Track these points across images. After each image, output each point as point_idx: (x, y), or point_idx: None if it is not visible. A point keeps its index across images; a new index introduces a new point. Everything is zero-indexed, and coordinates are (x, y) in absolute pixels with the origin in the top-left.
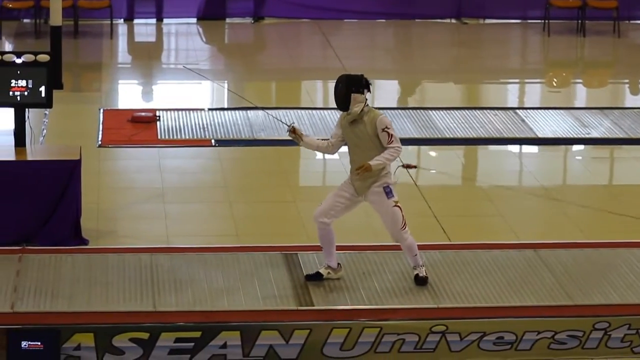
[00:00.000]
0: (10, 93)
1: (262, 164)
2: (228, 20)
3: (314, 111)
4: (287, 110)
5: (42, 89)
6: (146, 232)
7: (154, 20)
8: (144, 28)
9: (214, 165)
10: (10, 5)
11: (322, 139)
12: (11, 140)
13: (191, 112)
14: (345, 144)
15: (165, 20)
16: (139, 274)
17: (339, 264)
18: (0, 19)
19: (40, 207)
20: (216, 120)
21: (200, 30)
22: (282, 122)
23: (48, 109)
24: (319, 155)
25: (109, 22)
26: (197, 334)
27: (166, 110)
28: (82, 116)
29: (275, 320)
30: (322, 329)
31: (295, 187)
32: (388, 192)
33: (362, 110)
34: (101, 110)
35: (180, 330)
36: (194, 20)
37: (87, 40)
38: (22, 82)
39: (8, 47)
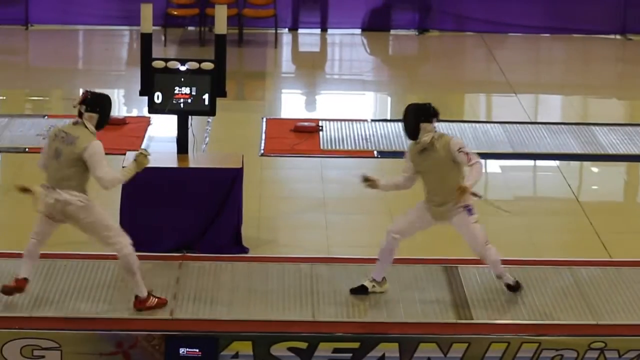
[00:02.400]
0: (175, 100)
1: None
2: (392, 31)
3: (477, 125)
4: (450, 123)
5: (206, 96)
6: (306, 241)
7: (318, 30)
8: (308, 38)
9: (376, 177)
10: (175, 13)
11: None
12: (174, 147)
13: (354, 122)
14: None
15: (330, 31)
16: (299, 284)
17: (383, 277)
18: (165, 25)
19: (202, 214)
20: (379, 132)
21: (365, 41)
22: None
23: (211, 117)
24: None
25: (274, 31)
26: (356, 345)
27: (329, 120)
28: (245, 124)
29: (434, 332)
30: (481, 343)
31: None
32: (469, 211)
33: (432, 138)
34: (264, 119)
35: (338, 340)
36: (359, 31)
37: (251, 49)
38: (186, 90)
39: (172, 54)
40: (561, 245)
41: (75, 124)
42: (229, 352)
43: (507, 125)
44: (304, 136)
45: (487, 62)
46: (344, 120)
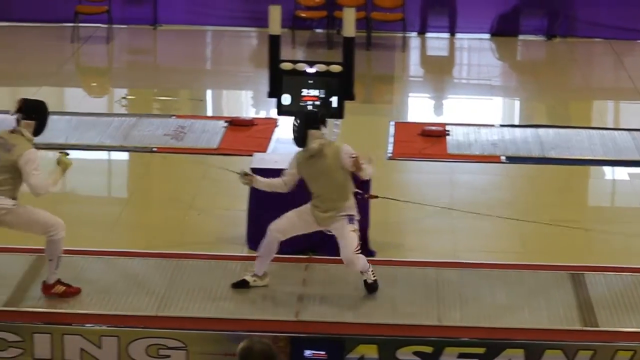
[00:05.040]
0: (302, 102)
1: (551, 183)
2: (520, 37)
3: (604, 131)
4: (578, 130)
5: (334, 99)
6: (433, 246)
7: (446, 35)
8: (437, 42)
9: (503, 182)
10: (304, 15)
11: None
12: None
13: (481, 127)
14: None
15: (458, 35)
16: (425, 288)
17: (265, 272)
18: (293, 28)
19: None
20: (506, 137)
21: (493, 46)
22: (232, 171)
23: (339, 120)
24: (608, 175)
25: (402, 35)
26: (481, 350)
27: (456, 125)
28: (373, 128)
29: (560, 339)
30: (607, 351)
31: (584, 207)
32: (350, 220)
33: (320, 144)
34: (392, 123)
35: (464, 345)
36: (487, 35)
37: (380, 52)
38: (314, 92)
39: (300, 56)
40: None
41: (12, 131)
42: (354, 355)
43: (635, 132)
44: (431, 140)
45: (615, 69)
46: (472, 125)
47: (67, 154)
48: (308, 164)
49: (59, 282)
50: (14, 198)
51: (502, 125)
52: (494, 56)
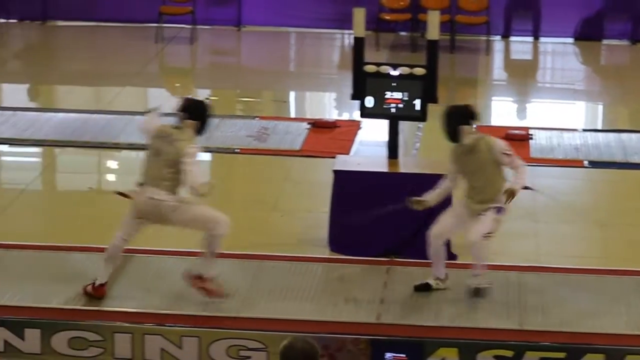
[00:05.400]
0: (386, 105)
1: (634, 188)
2: (605, 41)
3: None
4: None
5: (417, 102)
6: (515, 249)
7: (530, 39)
8: (521, 46)
9: (586, 186)
10: (388, 18)
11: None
12: (384, 151)
13: (564, 132)
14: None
15: (542, 39)
16: (506, 292)
17: (446, 274)
18: (377, 30)
19: (410, 219)
20: (589, 142)
21: (577, 50)
22: (411, 202)
23: (422, 122)
24: None
25: (486, 38)
26: (562, 355)
27: (539, 129)
28: None
29: None
30: None
31: None
32: (499, 210)
33: (475, 139)
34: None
35: (545, 350)
36: (571, 40)
37: (463, 55)
38: (398, 95)
39: (384, 58)
40: None
41: (176, 127)
42: (435, 358)
43: None
44: (514, 144)
45: None
46: (555, 129)
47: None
48: (464, 159)
49: (210, 279)
50: (175, 194)
51: (585, 130)
52: (577, 60)
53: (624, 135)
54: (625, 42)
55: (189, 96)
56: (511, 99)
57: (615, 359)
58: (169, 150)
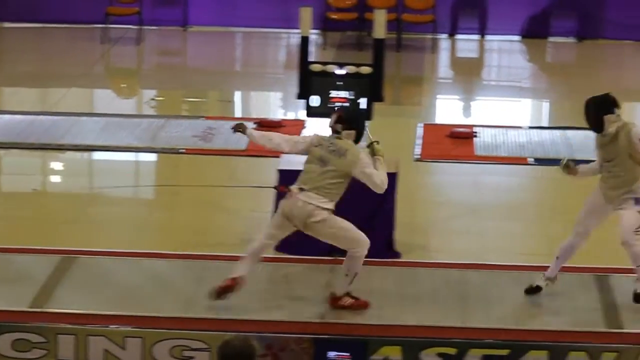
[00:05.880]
0: (331, 104)
1: (579, 184)
2: (551, 39)
3: None
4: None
5: (363, 100)
6: (459, 247)
7: (477, 37)
8: (467, 44)
9: (531, 184)
10: (334, 17)
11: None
12: None
13: (509, 129)
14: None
15: (488, 37)
16: (449, 289)
17: (556, 275)
18: (324, 29)
19: (355, 218)
20: (535, 139)
21: (523, 48)
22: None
23: (368, 121)
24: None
25: (432, 36)
26: (505, 352)
27: (484, 126)
28: (401, 129)
29: (584, 341)
30: (631, 353)
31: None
32: (637, 201)
33: (617, 128)
34: (420, 125)
35: (488, 347)
36: (517, 37)
37: (410, 53)
38: (343, 93)
39: (331, 57)
40: None
41: (338, 138)
42: (378, 356)
43: None
44: (459, 142)
45: None
46: (500, 126)
47: (378, 142)
48: (608, 148)
49: (348, 294)
50: (331, 203)
51: (530, 127)
52: (523, 58)
53: (570, 132)
54: (571, 40)
55: (342, 107)
56: (457, 96)
57: (558, 355)
58: (339, 162)
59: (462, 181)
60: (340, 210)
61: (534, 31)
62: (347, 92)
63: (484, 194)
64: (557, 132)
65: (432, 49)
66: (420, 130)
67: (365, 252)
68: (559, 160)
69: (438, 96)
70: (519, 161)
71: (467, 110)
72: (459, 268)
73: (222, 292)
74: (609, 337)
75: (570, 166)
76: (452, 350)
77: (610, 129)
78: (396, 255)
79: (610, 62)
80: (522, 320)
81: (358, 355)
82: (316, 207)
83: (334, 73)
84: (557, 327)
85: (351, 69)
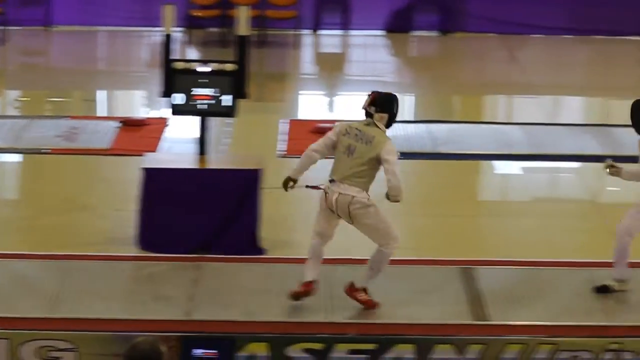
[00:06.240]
0: (194, 102)
1: (443, 178)
2: (414, 33)
3: (496, 126)
4: (470, 125)
5: (227, 98)
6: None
7: (340, 32)
8: (330, 39)
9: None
10: (198, 14)
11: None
12: (193, 148)
13: None
14: None
15: (352, 32)
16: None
17: (629, 277)
18: (187, 27)
19: (220, 215)
20: (400, 133)
21: (387, 42)
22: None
23: (232, 118)
24: (499, 169)
25: (296, 32)
26: (372, 346)
27: (349, 121)
28: (266, 126)
29: (450, 334)
30: (497, 344)
31: (476, 202)
32: None
33: None
34: (284, 121)
35: (354, 341)
36: (380, 32)
37: (273, 50)
38: (207, 91)
39: (195, 55)
40: (578, 247)
41: (367, 124)
42: (245, 353)
43: (527, 126)
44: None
45: (508, 63)
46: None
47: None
48: None
49: (365, 290)
50: (366, 191)
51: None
52: (387, 52)
53: (434, 126)
54: (434, 33)
55: (378, 90)
56: (321, 92)
57: (425, 349)
58: (366, 149)
59: (325, 177)
60: (202, 207)
61: (398, 25)
62: (211, 90)
63: None
64: (422, 126)
65: (295, 45)
66: (284, 127)
67: (394, 250)
68: (424, 153)
69: (302, 92)
70: None
71: (331, 105)
72: (324, 263)
73: (297, 296)
74: (475, 329)
75: (615, 166)
76: (318, 346)
77: None
78: (261, 252)
79: (472, 55)
80: (388, 314)
81: (225, 353)
82: (353, 196)
83: (197, 70)
84: (424, 321)
85: (215, 66)
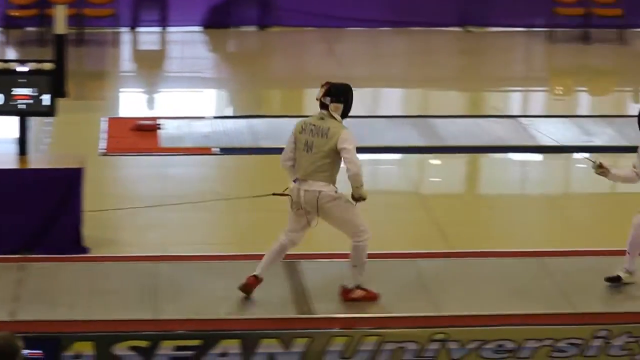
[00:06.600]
0: (14, 101)
1: (264, 172)
2: (233, 28)
3: None
4: (289, 119)
5: (46, 97)
6: (148, 240)
7: (159, 29)
8: (149, 36)
9: (216, 174)
10: (15, 14)
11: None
12: (14, 148)
13: (194, 120)
14: None
15: (170, 29)
16: (140, 283)
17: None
18: (5, 27)
19: (42, 215)
20: (219, 129)
21: (205, 38)
22: (589, 160)
23: (51, 118)
24: None
25: (114, 30)
26: (198, 342)
27: (169, 118)
28: (86, 125)
29: (275, 328)
30: (322, 338)
31: None
32: None
33: None
34: (105, 119)
35: (180, 338)
36: (199, 28)
37: (92, 48)
38: (26, 91)
39: (13, 55)
40: (403, 238)
41: (321, 118)
42: (71, 352)
43: (347, 119)
44: (144, 135)
45: (327, 56)
46: (184, 117)
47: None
48: None
49: (359, 287)
50: (332, 184)
51: (215, 117)
52: (206, 48)
53: (254, 121)
54: (253, 28)
55: (330, 81)
56: (140, 89)
57: (250, 343)
58: (323, 142)
59: (148, 174)
60: (24, 207)
61: (216, 21)
62: (29, 90)
63: (170, 185)
64: (242, 121)
65: (114, 43)
66: (104, 125)
67: (368, 241)
68: (245, 148)
69: (122, 90)
70: (204, 151)
71: (151, 102)
72: (149, 261)
73: (245, 290)
74: (300, 322)
75: (604, 167)
76: (144, 343)
77: None
78: (85, 250)
79: (291, 49)
80: (213, 310)
81: (51, 353)
82: (320, 191)
83: (16, 70)
84: (249, 316)
85: (33, 65)
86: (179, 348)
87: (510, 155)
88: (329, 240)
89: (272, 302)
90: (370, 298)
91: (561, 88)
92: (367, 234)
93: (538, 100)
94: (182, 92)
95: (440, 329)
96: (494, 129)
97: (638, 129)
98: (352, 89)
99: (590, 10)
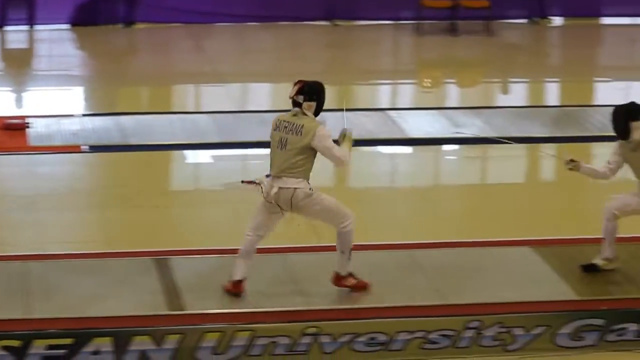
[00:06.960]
0: None
1: (134, 169)
2: (100, 26)
3: (186, 115)
4: (156, 115)
5: None
6: (18, 239)
7: (25, 27)
8: (16, 35)
9: (86, 171)
10: None
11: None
12: None
13: (63, 118)
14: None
15: (37, 27)
16: (10, 282)
17: (615, 255)
18: None
19: None
20: (88, 126)
21: (73, 36)
22: (558, 157)
23: None
24: (190, 159)
25: None
26: (69, 341)
27: (37, 117)
28: None
29: (147, 325)
30: (194, 334)
31: (167, 192)
32: None
33: None
34: None
35: (52, 337)
36: (67, 26)
37: None
38: None
39: None
40: (273, 234)
41: (295, 115)
42: None
43: (216, 115)
44: (12, 134)
45: (195, 52)
46: (53, 116)
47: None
48: (632, 155)
49: (350, 275)
50: (306, 180)
51: (83, 115)
52: (73, 46)
53: (123, 118)
54: (119, 26)
55: (301, 79)
56: (8, 88)
57: (122, 341)
58: (297, 139)
59: (17, 173)
60: None
61: (83, 19)
62: None
63: (40, 184)
64: (110, 118)
65: None
66: None
67: (353, 226)
68: (113, 145)
69: None
70: (73, 149)
71: (19, 101)
72: (20, 260)
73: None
74: (171, 319)
75: (575, 160)
76: (16, 343)
77: (636, 135)
78: None
79: (158, 46)
80: (84, 308)
81: None
82: (294, 188)
83: None
84: (120, 313)
85: None
86: (52, 347)
87: (380, 148)
88: (201, 236)
89: (143, 298)
90: (362, 287)
91: (429, 80)
92: (349, 218)
93: (406, 92)
94: (51, 91)
95: (311, 322)
96: (362, 122)
97: (612, 128)
98: (324, 87)
99: (457, 2)
